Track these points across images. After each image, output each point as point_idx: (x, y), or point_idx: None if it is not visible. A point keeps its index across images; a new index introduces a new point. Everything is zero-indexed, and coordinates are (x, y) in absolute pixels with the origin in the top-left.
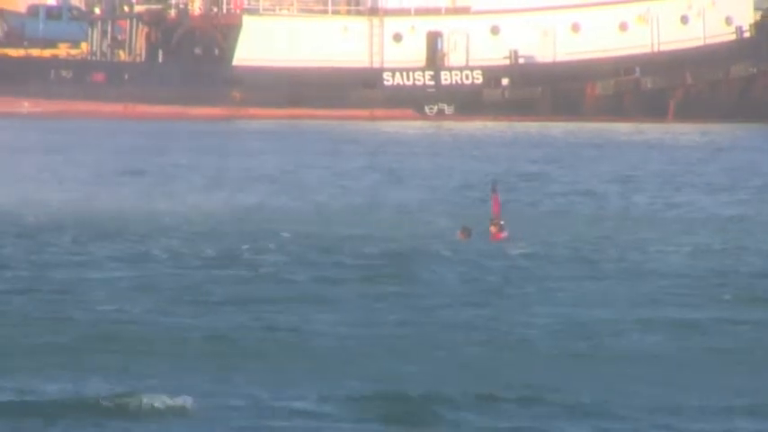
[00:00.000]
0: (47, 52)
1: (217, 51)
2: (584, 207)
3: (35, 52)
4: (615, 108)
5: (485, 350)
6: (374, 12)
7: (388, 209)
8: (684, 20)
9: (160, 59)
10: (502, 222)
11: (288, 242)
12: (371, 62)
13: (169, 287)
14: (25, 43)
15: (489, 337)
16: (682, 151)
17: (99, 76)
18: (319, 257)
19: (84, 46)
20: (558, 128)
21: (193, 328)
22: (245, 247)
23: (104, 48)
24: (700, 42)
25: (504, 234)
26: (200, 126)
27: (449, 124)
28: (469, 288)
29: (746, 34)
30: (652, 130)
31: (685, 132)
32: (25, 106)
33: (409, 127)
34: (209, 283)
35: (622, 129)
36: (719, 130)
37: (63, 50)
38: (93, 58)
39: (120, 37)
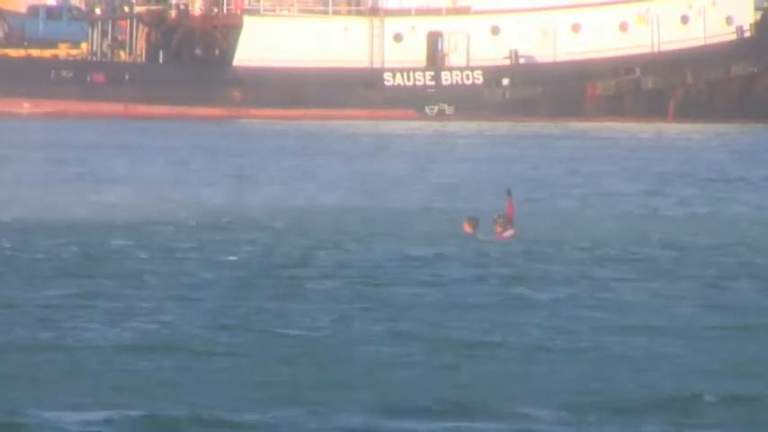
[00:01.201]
0: (47, 53)
1: (217, 52)
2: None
3: (35, 53)
4: (615, 108)
5: None
6: (374, 12)
7: None
8: (685, 20)
9: (161, 60)
10: (498, 218)
11: None
12: (372, 62)
13: None
14: (25, 44)
15: None
16: None
17: (99, 77)
18: None
19: (84, 46)
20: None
21: None
22: None
23: (105, 48)
24: (700, 42)
25: (510, 233)
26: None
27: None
28: None
29: (747, 34)
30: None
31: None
32: (25, 107)
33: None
34: None
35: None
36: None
37: (63, 51)
38: (94, 58)
39: (120, 37)
